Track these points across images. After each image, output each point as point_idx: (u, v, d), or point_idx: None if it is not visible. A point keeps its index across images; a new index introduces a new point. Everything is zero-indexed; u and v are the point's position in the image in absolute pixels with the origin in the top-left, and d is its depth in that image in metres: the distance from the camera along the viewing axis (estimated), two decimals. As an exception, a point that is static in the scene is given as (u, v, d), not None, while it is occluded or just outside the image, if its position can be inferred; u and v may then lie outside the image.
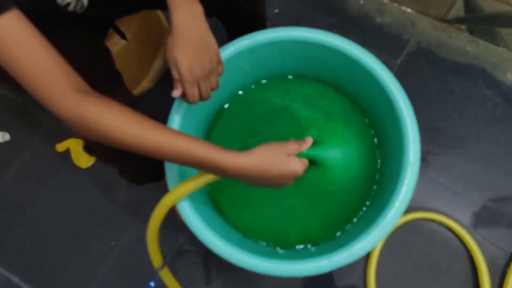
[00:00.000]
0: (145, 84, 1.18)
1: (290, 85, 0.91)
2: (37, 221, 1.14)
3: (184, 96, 0.65)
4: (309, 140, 0.65)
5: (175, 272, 0.81)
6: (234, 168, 0.56)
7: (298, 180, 0.63)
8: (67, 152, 1.18)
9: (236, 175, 0.57)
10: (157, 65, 1.18)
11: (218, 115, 0.91)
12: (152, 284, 1.03)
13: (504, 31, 1.08)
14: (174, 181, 0.71)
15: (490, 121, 1.09)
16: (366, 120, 0.87)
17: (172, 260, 1.03)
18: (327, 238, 0.79)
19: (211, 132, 0.90)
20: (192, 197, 0.69)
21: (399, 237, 1.00)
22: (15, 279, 1.09)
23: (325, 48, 0.77)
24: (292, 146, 0.61)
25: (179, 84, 0.63)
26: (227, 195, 0.84)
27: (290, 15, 1.23)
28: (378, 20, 1.20)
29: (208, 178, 0.61)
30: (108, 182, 1.14)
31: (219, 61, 0.66)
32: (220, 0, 0.76)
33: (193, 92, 0.64)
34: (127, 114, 0.54)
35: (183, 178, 0.69)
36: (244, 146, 0.86)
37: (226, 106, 0.91)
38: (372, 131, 0.86)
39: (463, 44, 1.15)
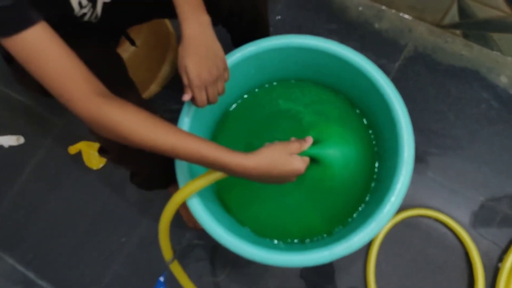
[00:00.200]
0: (153, 88, 1.22)
1: (292, 88, 0.95)
2: (51, 220, 1.18)
3: (193, 100, 0.70)
4: (310, 140, 0.69)
5: (184, 267, 0.85)
6: (241, 168, 0.61)
7: (300, 177, 0.67)
8: (79, 154, 1.21)
9: (242, 174, 0.62)
10: (164, 70, 1.22)
11: (224, 117, 0.95)
12: (161, 278, 1.07)
13: (496, 36, 1.12)
14: (184, 179, 0.75)
15: (484, 122, 1.12)
16: (365, 121, 0.91)
17: (181, 256, 1.06)
18: (328, 233, 0.83)
19: (218, 133, 0.94)
20: (201, 194, 0.74)
21: (398, 233, 1.03)
22: (31, 275, 1.13)
23: (325, 54, 0.81)
24: (294, 146, 0.66)
25: (189, 89, 0.68)
26: (233, 194, 0.88)
27: (292, 22, 1.26)
28: (376, 25, 1.23)
29: (216, 176, 0.65)
30: (118, 183, 1.18)
31: (225, 68, 0.71)
32: (226, 10, 0.80)
33: (201, 96, 0.68)
34: (143, 116, 0.58)
35: (192, 176, 0.73)
36: (248, 146, 0.90)
37: (231, 108, 0.95)
38: (370, 132, 0.90)
39: (458, 48, 1.19)
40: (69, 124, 1.26)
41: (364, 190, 0.85)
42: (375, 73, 0.78)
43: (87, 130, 0.64)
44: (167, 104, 1.21)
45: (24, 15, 0.50)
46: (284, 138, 0.70)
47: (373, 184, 0.85)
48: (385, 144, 0.83)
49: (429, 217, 1.04)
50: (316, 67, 0.88)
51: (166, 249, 0.77)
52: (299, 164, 0.65)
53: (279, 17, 1.28)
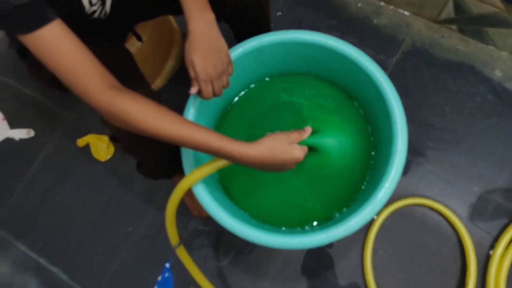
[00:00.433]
0: (159, 82, 1.25)
1: (292, 82, 0.98)
2: (60, 210, 1.21)
3: (199, 93, 0.73)
4: (308, 129, 0.73)
5: (189, 252, 0.88)
6: (244, 157, 0.64)
7: (299, 165, 0.71)
8: (87, 147, 1.25)
9: (245, 162, 0.66)
10: (169, 65, 1.25)
11: (228, 109, 0.98)
12: (167, 265, 1.12)
13: (491, 31, 1.15)
14: (190, 167, 0.78)
15: (480, 115, 1.14)
16: (362, 112, 0.94)
17: (186, 242, 1.09)
18: (326, 219, 0.86)
19: (222, 124, 0.97)
20: (206, 182, 0.77)
21: (394, 221, 1.07)
22: (42, 261, 1.17)
23: (325, 49, 0.85)
24: (294, 136, 0.70)
25: (195, 82, 0.72)
26: (235, 182, 0.92)
27: (292, 17, 1.29)
28: (375, 21, 1.26)
29: (220, 163, 0.69)
30: (125, 174, 1.22)
31: (229, 63, 0.74)
32: (230, 7, 0.83)
33: (207, 89, 0.72)
34: (153, 107, 0.62)
35: (198, 164, 0.77)
36: (250, 136, 0.93)
37: (235, 101, 0.99)
38: (367, 123, 0.93)
39: (455, 43, 1.21)
40: (78, 118, 1.29)
41: (361, 179, 0.88)
42: (371, 67, 0.81)
43: (95, 123, 0.67)
44: (172, 97, 1.24)
45: (42, 13, 0.54)
46: (285, 128, 0.73)
47: (369, 172, 0.88)
48: (381, 134, 0.86)
49: (424, 206, 1.07)
50: (316, 61, 0.91)
51: (173, 233, 0.80)
52: (298, 152, 0.68)
53: (280, 13, 1.30)
